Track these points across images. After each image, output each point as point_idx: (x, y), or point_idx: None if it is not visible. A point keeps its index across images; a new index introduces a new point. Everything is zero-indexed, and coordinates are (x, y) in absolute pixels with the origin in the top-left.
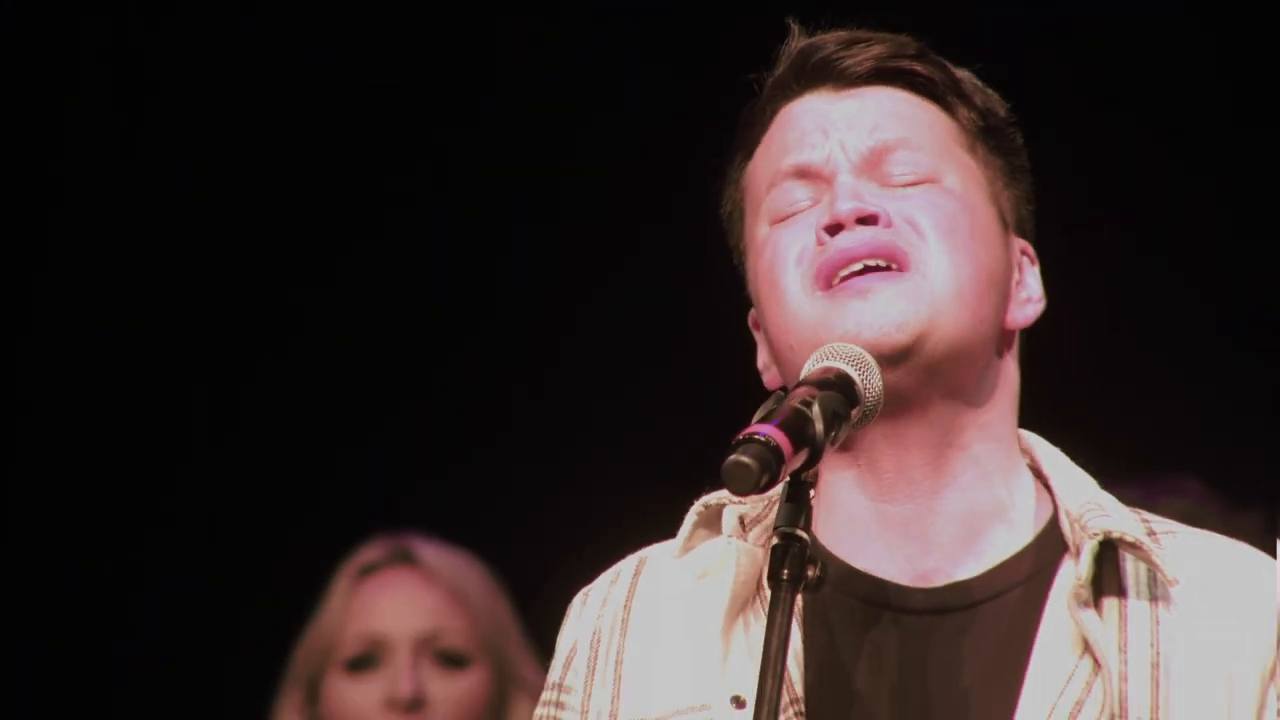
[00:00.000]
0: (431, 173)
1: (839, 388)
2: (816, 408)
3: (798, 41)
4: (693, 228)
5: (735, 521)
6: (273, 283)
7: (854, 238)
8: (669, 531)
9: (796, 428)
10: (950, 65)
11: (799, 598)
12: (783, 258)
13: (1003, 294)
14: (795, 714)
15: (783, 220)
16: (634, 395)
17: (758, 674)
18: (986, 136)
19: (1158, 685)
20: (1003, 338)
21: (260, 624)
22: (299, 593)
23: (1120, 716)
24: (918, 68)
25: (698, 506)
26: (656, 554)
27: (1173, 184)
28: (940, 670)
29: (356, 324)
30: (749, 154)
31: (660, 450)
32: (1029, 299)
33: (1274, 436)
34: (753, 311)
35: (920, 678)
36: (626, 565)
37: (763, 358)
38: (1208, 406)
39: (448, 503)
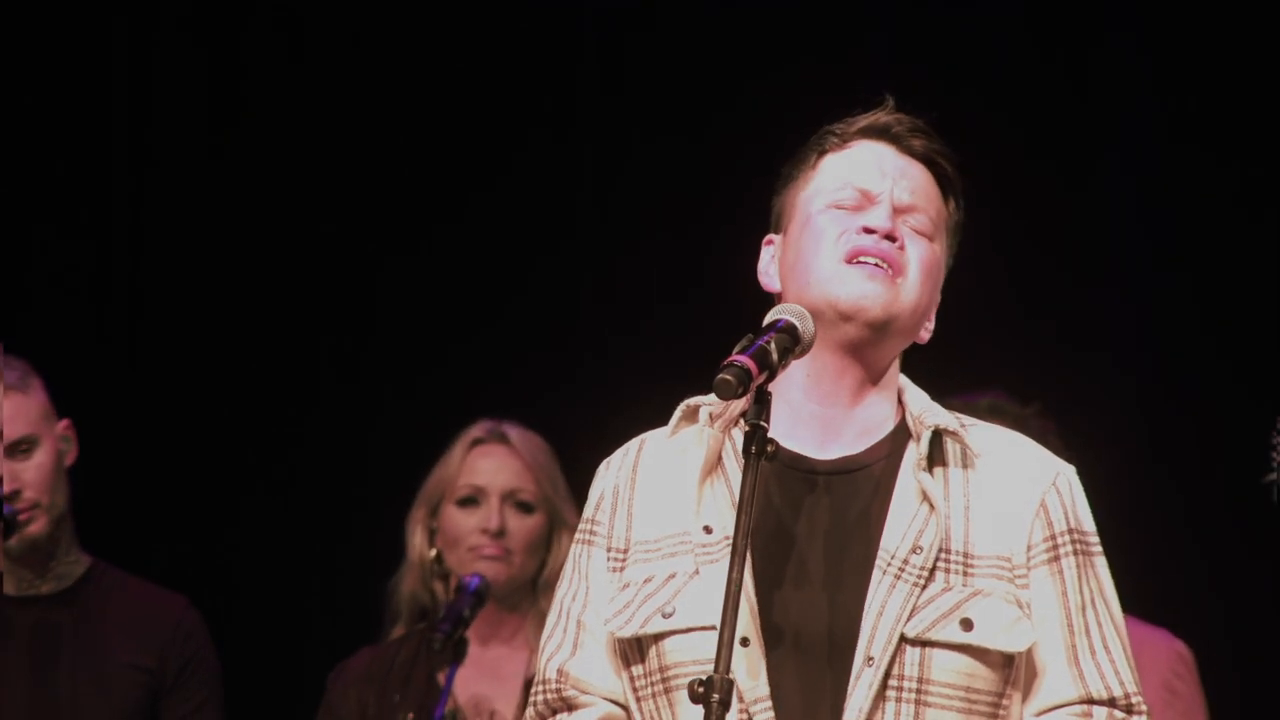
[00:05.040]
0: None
1: (788, 332)
2: (773, 344)
3: (885, 110)
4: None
5: (706, 416)
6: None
7: (878, 241)
8: (664, 420)
9: (761, 357)
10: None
11: (739, 463)
12: (829, 232)
13: (927, 318)
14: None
15: (836, 207)
16: (655, 326)
17: (720, 513)
18: (956, 227)
19: (968, 521)
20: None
21: (394, 465)
22: (423, 444)
23: (945, 541)
24: (946, 166)
25: (681, 406)
26: (653, 435)
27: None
28: (834, 512)
29: (465, 252)
30: (823, 153)
31: (668, 362)
32: (928, 328)
33: (1051, 357)
34: (771, 234)
35: (821, 516)
36: (633, 443)
37: (765, 265)
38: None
39: (523, 389)
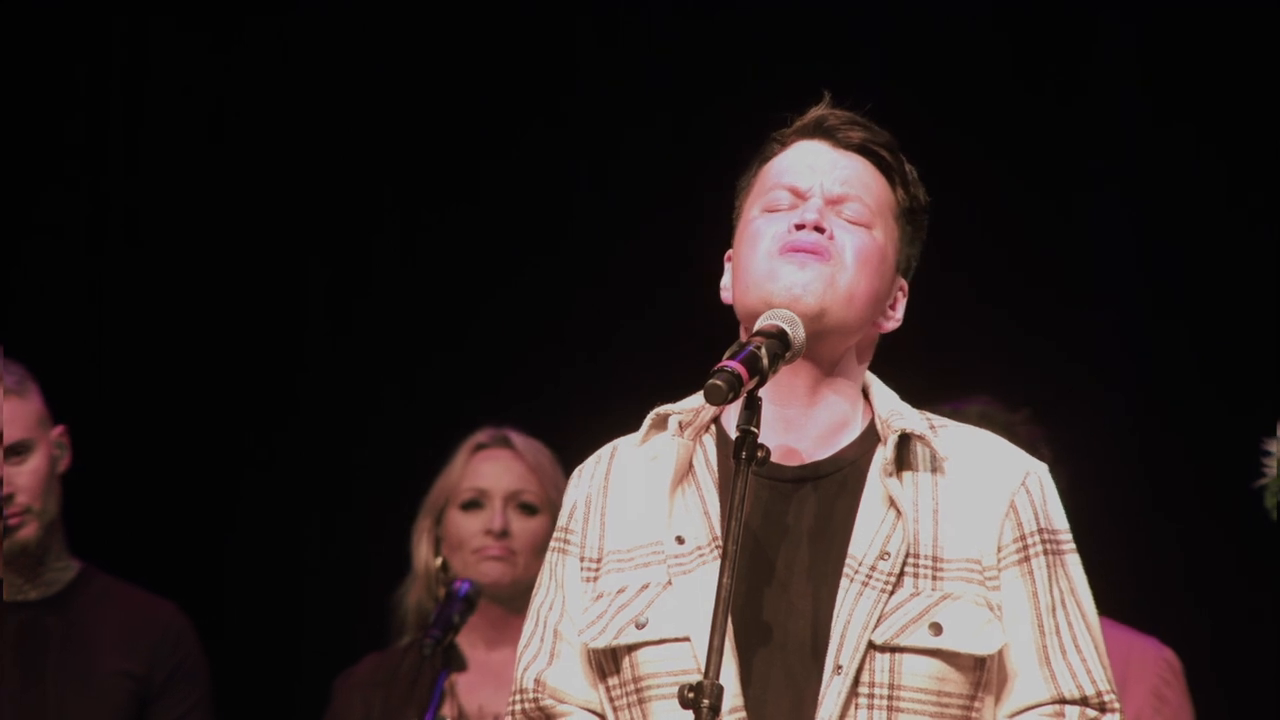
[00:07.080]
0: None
1: (778, 337)
2: (764, 350)
3: (822, 107)
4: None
5: (676, 425)
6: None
7: (808, 235)
8: (637, 426)
9: (752, 362)
10: (904, 159)
11: (710, 471)
12: (763, 233)
13: (879, 309)
14: (715, 547)
15: (770, 211)
16: (642, 327)
17: (692, 523)
18: (908, 212)
19: (937, 525)
20: (869, 333)
21: (400, 475)
22: (424, 454)
23: (914, 546)
24: (884, 154)
25: (651, 414)
26: (624, 443)
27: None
28: (803, 519)
29: (453, 259)
30: (765, 161)
31: (664, 362)
32: (894, 318)
33: (1036, 360)
34: (729, 251)
35: (790, 524)
36: (605, 451)
37: (726, 281)
38: (995, 338)
39: (519, 390)
